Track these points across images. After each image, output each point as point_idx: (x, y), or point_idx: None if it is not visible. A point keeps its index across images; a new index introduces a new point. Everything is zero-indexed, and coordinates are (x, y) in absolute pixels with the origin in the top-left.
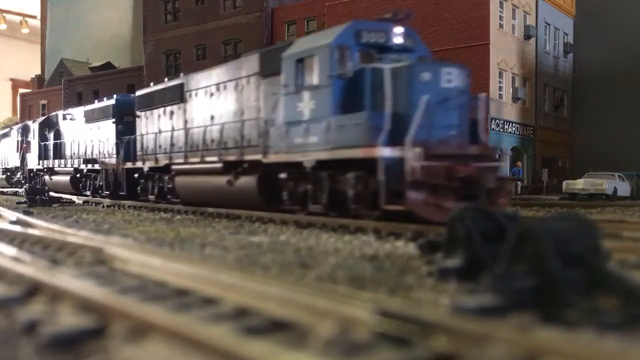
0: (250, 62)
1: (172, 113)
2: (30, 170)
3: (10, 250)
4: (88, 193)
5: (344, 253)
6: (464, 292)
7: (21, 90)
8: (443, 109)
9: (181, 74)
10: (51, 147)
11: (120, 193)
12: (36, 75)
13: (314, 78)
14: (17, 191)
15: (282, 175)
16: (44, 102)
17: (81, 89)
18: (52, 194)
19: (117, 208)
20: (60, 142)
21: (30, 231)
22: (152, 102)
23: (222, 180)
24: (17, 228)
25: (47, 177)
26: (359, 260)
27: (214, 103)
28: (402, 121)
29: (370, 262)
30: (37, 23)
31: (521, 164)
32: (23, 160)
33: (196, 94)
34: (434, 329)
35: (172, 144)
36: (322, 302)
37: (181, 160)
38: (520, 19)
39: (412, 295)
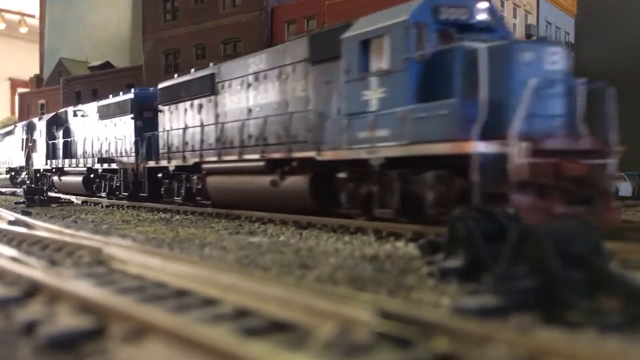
0: (297, 48)
1: (201, 106)
2: (37, 171)
3: (9, 251)
4: (103, 194)
5: (344, 253)
6: (464, 293)
7: (19, 90)
8: (547, 97)
9: (210, 64)
10: (60, 146)
11: (141, 194)
12: (35, 75)
13: (385, 62)
14: (15, 191)
15: (341, 175)
16: (42, 101)
17: (80, 88)
18: (51, 194)
19: (115, 208)
20: (70, 141)
21: (29, 231)
22: (177, 95)
23: (264, 180)
24: (16, 228)
25: (55, 178)
26: (359, 260)
27: (251, 94)
28: (497, 110)
29: (371, 263)
30: (35, 22)
31: None
32: (28, 159)
33: (230, 85)
34: (435, 330)
35: (202, 141)
36: (322, 303)
37: (214, 159)
38: (521, 18)
39: (412, 296)
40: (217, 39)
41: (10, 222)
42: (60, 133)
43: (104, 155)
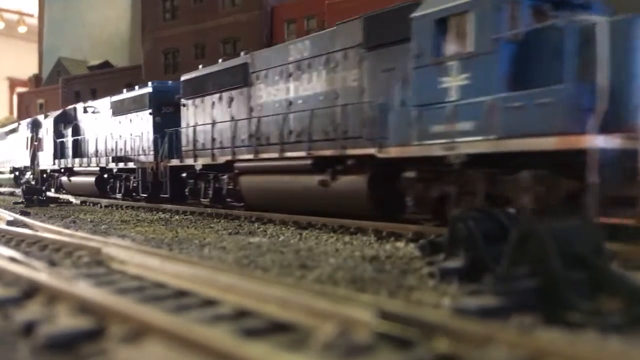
0: (349, 32)
1: (231, 100)
2: (44, 171)
3: (8, 251)
4: (119, 196)
5: (344, 254)
6: (465, 293)
7: (18, 89)
8: None
9: (242, 53)
10: (69, 145)
11: (162, 195)
12: (33, 74)
13: (468, 43)
14: (14, 191)
15: (409, 175)
16: (41, 101)
17: (79, 87)
18: (50, 194)
19: (114, 208)
20: (80, 139)
21: (28, 232)
22: (203, 88)
23: (311, 180)
24: (14, 229)
25: (64, 178)
26: (360, 261)
27: (292, 85)
28: (616, 97)
29: (371, 263)
30: (34, 21)
31: None
32: (34, 159)
33: (266, 75)
34: (435, 331)
35: (233, 137)
36: (322, 304)
37: (249, 156)
38: None
39: (413, 297)
40: (217, 38)
41: (9, 223)
42: (69, 131)
43: (119, 154)
